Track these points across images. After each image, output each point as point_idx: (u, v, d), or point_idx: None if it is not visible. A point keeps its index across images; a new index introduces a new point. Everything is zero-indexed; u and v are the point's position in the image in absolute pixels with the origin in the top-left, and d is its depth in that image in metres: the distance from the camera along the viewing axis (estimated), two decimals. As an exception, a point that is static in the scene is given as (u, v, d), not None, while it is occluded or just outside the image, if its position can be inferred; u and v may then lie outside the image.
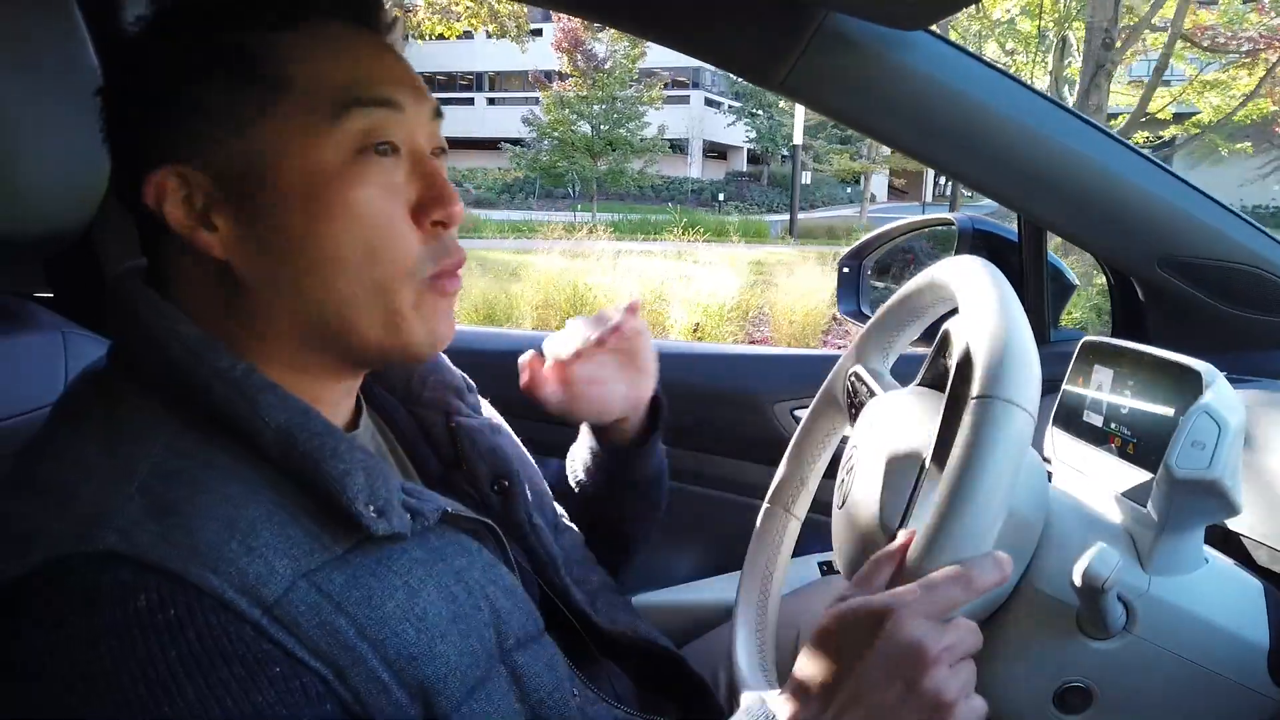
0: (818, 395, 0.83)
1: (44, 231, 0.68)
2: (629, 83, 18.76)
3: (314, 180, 0.56)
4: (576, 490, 0.93)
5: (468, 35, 14.11)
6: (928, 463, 0.60)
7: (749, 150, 27.53)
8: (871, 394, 0.75)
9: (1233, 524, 0.73)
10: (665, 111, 22.71)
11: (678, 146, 25.58)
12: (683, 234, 9.89)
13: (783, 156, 24.80)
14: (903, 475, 0.64)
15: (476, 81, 28.84)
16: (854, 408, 0.77)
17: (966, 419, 0.51)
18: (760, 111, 24.76)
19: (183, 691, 0.46)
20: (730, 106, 24.90)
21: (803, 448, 0.83)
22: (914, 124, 0.98)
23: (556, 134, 19.41)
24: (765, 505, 0.84)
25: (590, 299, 6.41)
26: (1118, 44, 9.49)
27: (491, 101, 28.19)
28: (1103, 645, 0.61)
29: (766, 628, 0.81)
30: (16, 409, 0.72)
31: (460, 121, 27.68)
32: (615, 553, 0.94)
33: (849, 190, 25.63)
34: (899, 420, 0.68)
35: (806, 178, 23.94)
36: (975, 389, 0.52)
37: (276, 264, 0.58)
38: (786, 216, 18.05)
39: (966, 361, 0.56)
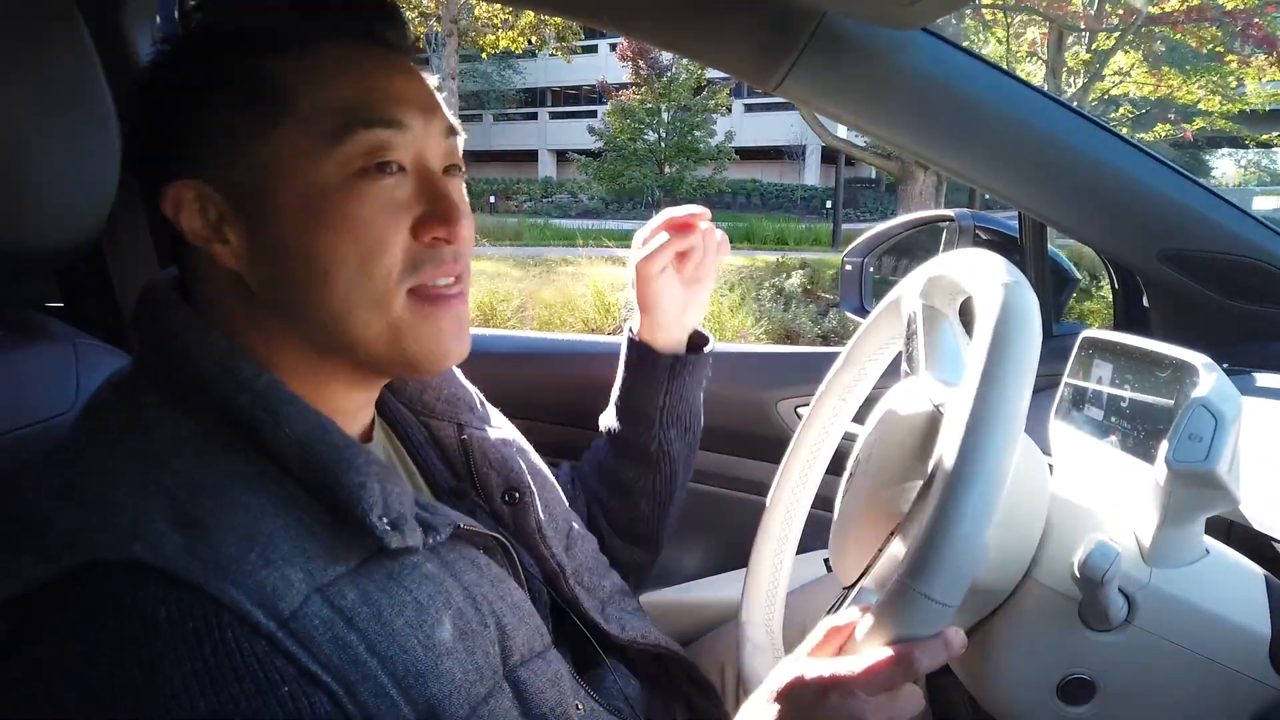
0: (882, 303, 0.80)
1: (57, 245, 0.69)
2: (695, 90, 18.48)
3: (314, 195, 0.58)
4: (614, 432, 0.97)
5: (591, 49, 13.98)
6: (897, 529, 0.62)
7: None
8: (917, 342, 0.73)
9: (1257, 523, 0.73)
10: (779, 117, 22.26)
11: (789, 154, 25.19)
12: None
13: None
14: (875, 528, 0.66)
15: (600, 94, 28.68)
16: (910, 335, 0.75)
17: (887, 600, 0.52)
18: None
19: (195, 705, 0.47)
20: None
21: (861, 348, 0.83)
22: (913, 123, 0.98)
23: (619, 142, 19.30)
24: (821, 389, 0.85)
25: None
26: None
27: (614, 113, 28.01)
28: (1105, 637, 0.62)
29: (773, 625, 0.82)
30: (30, 418, 0.73)
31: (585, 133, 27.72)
32: (650, 510, 0.97)
33: (987, 196, 24.76)
34: (896, 453, 0.68)
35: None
36: (903, 569, 0.52)
37: (281, 276, 0.59)
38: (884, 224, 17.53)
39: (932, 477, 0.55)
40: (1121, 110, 12.46)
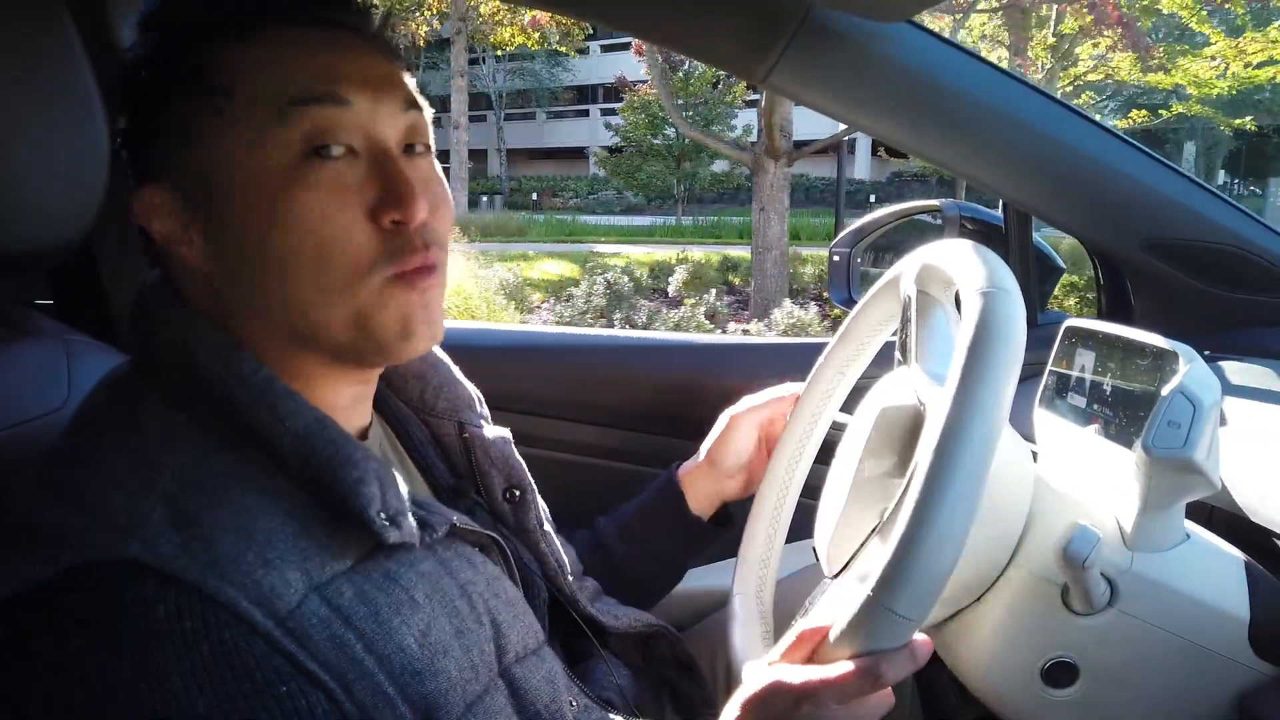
0: (878, 283, 0.80)
1: (44, 244, 0.69)
2: (713, 84, 18.03)
3: (262, 185, 0.55)
4: (616, 547, 0.96)
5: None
6: (878, 528, 0.63)
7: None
8: (910, 330, 0.73)
9: (1256, 516, 0.74)
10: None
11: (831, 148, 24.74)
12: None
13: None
14: (859, 520, 0.67)
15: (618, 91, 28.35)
16: (903, 322, 0.75)
17: (856, 612, 0.53)
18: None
19: (194, 703, 0.47)
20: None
21: (857, 328, 0.83)
22: (898, 115, 0.99)
23: (636, 137, 19.10)
24: (819, 363, 0.86)
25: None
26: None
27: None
28: (1088, 621, 0.63)
29: (764, 612, 0.83)
30: (21, 416, 0.73)
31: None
32: (632, 600, 0.96)
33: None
34: (881, 447, 0.68)
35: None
36: (873, 585, 0.52)
37: (241, 270, 0.58)
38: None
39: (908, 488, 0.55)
40: (1084, 96, 12.16)
